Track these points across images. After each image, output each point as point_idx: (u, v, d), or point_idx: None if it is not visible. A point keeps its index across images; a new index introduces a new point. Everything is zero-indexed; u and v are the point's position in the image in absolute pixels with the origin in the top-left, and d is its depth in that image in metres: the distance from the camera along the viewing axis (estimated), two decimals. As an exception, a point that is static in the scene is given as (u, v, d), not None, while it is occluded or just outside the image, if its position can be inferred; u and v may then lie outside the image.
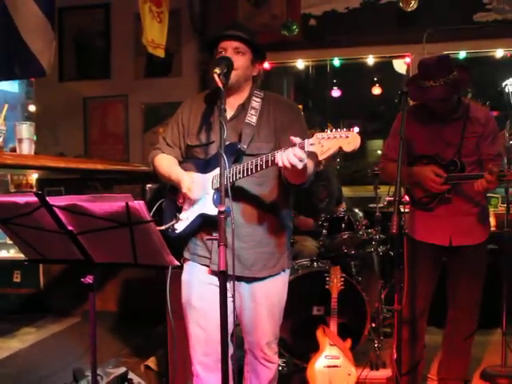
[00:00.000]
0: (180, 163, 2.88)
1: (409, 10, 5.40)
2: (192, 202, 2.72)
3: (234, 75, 2.62)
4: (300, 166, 2.28)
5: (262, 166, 2.45)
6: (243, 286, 2.81)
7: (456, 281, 3.47)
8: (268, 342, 2.88)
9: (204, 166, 2.72)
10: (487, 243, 3.52)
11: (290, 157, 2.27)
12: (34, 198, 2.01)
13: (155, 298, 3.92)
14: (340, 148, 2.18)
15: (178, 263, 2.21)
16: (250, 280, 2.79)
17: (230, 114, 2.76)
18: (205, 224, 2.68)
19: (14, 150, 3.43)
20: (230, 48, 2.67)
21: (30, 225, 2.12)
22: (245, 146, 2.66)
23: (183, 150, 2.90)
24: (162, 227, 2.76)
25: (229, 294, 2.38)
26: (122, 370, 3.36)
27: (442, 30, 5.20)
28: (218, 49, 2.69)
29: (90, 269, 2.24)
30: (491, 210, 5.24)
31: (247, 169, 2.50)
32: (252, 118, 2.73)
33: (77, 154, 5.92)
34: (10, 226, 2.17)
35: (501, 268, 4.03)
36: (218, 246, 2.20)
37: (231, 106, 2.77)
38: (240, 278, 2.75)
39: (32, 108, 6.84)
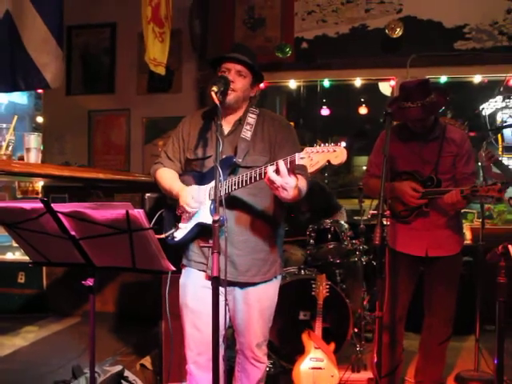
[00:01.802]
0: (180, 175, 2.91)
1: (394, 36, 5.44)
2: (190, 213, 2.73)
3: (234, 96, 2.68)
4: (285, 188, 2.34)
5: (255, 178, 2.47)
6: (237, 291, 2.82)
7: (432, 289, 3.48)
8: (258, 343, 2.89)
9: (202, 178, 2.74)
10: (461, 254, 3.53)
11: (271, 176, 2.32)
12: (39, 205, 2.01)
13: (151, 300, 3.94)
14: (328, 161, 2.20)
15: (174, 268, 2.22)
16: (243, 285, 2.80)
17: (227, 129, 2.80)
18: (202, 232, 2.69)
19: (21, 158, 3.43)
20: (233, 70, 2.70)
21: (35, 229, 2.12)
22: (240, 160, 2.68)
23: (183, 164, 2.92)
24: (162, 235, 2.78)
25: (223, 298, 2.42)
26: (119, 367, 3.35)
27: (425, 55, 5.24)
28: (222, 68, 2.71)
29: (91, 272, 2.24)
30: (467, 224, 5.27)
31: (242, 181, 2.53)
32: (247, 133, 2.75)
33: (81, 164, 5.91)
34: (16, 229, 2.17)
35: (475, 279, 4.04)
36: (212, 253, 2.22)
37: (229, 122, 2.80)
38: (234, 284, 2.77)
39: (40, 119, 6.84)
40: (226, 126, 2.79)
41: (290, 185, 2.33)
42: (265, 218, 2.79)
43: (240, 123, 2.79)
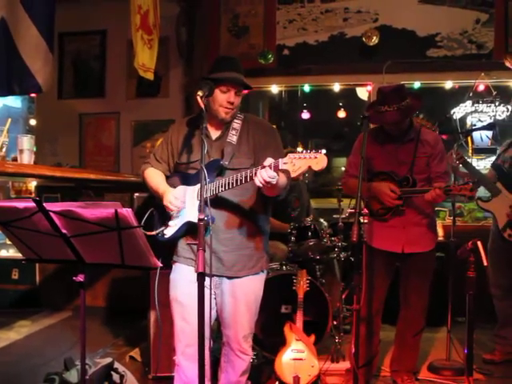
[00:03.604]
0: (169, 177, 2.94)
1: (371, 44, 5.47)
2: (179, 211, 2.76)
3: (232, 114, 2.75)
4: (273, 182, 2.35)
5: (241, 180, 2.51)
6: (225, 282, 2.84)
7: (407, 283, 3.51)
8: (245, 335, 2.90)
9: (191, 180, 2.76)
10: (435, 251, 3.56)
11: (263, 176, 2.33)
12: (32, 204, 2.00)
13: (139, 295, 3.92)
14: (309, 167, 2.24)
15: (161, 265, 2.23)
16: (230, 277, 2.82)
17: (215, 135, 2.83)
18: (191, 230, 2.70)
19: (15, 159, 3.41)
20: (234, 90, 2.71)
21: (27, 227, 2.11)
22: (226, 162, 2.71)
23: (171, 166, 2.94)
24: (153, 232, 2.81)
25: (211, 291, 2.53)
26: (109, 359, 3.32)
27: (400, 62, 5.27)
28: (222, 85, 2.69)
29: (82, 268, 2.24)
30: (440, 222, 5.30)
31: (229, 183, 2.56)
32: (233, 137, 2.78)
33: (72, 165, 5.88)
34: (9, 228, 2.16)
35: (447, 273, 4.07)
36: (197, 250, 2.24)
37: (216, 128, 2.84)
38: (222, 276, 2.81)
39: (33, 122, 6.77)
40: (214, 132, 2.84)
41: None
42: (250, 217, 2.82)
43: (227, 129, 2.81)
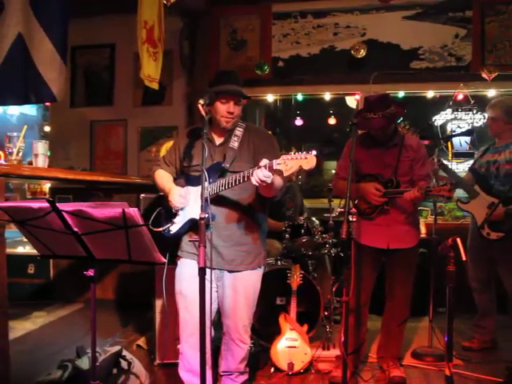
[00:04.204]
0: (176, 179, 2.98)
1: (359, 56, 5.47)
2: (183, 209, 2.80)
3: (232, 122, 2.80)
4: (268, 181, 2.37)
5: (240, 180, 2.55)
6: (226, 276, 2.87)
7: (392, 277, 3.51)
8: (244, 325, 2.93)
9: (195, 181, 2.80)
10: (418, 247, 3.56)
11: (259, 175, 2.35)
12: (46, 204, 1.99)
13: (146, 288, 3.92)
14: (300, 167, 2.28)
15: (165, 260, 2.24)
16: (231, 271, 2.85)
17: (218, 141, 2.89)
18: (194, 226, 2.73)
19: (30, 163, 3.41)
20: (232, 101, 2.75)
21: (42, 226, 2.10)
22: (227, 165, 2.76)
23: (178, 169, 2.99)
24: (160, 229, 2.85)
25: (213, 286, 2.61)
26: (118, 348, 3.32)
27: (385, 73, 5.27)
28: (222, 97, 2.73)
29: (92, 264, 2.24)
30: (422, 220, 5.31)
31: (228, 183, 2.60)
32: (235, 143, 2.82)
33: (83, 168, 5.89)
34: (25, 226, 2.15)
35: (429, 268, 4.07)
36: (199, 246, 2.27)
37: (220, 135, 2.89)
38: (222, 269, 2.85)
39: (47, 129, 6.76)
40: (218, 138, 2.89)
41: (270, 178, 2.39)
42: (248, 216, 2.85)
43: (229, 136, 2.86)
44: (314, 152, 2.30)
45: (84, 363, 3.01)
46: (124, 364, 3.23)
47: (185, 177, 2.91)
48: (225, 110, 2.75)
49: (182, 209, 2.82)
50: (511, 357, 3.20)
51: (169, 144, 5.79)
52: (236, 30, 5.82)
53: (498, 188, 3.90)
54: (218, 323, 3.13)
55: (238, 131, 2.86)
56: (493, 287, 4.15)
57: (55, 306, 5.40)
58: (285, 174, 2.32)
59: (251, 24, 5.80)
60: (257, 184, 2.40)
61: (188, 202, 2.79)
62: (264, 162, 2.37)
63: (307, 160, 2.27)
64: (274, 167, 2.33)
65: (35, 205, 2.02)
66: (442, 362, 2.99)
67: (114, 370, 3.17)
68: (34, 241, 2.25)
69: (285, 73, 5.75)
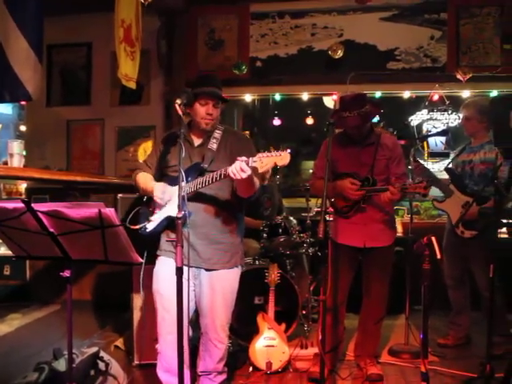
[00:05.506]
0: (156, 180, 2.98)
1: (336, 57, 5.51)
2: (161, 207, 2.82)
3: (211, 124, 2.85)
4: (245, 175, 2.42)
5: (216, 178, 2.59)
6: (203, 274, 2.88)
7: (369, 275, 3.54)
8: (222, 324, 2.93)
9: (174, 181, 2.79)
10: (394, 245, 3.60)
11: (237, 165, 2.42)
12: (21, 204, 1.98)
13: (123, 289, 3.89)
14: (275, 163, 2.35)
15: (142, 260, 2.24)
16: (208, 269, 2.86)
17: (197, 142, 2.93)
18: (171, 224, 2.74)
19: (6, 163, 3.37)
20: (211, 102, 2.80)
21: (17, 227, 2.08)
22: (206, 165, 2.80)
23: (158, 170, 3.00)
24: (136, 226, 2.84)
25: (191, 284, 2.62)
26: (95, 349, 3.29)
27: (362, 74, 5.31)
28: (201, 99, 2.79)
29: (68, 264, 2.22)
30: (398, 219, 5.37)
31: (205, 181, 2.64)
32: (213, 145, 2.88)
33: (60, 168, 5.82)
34: (0, 227, 2.12)
35: (405, 266, 4.12)
36: (176, 246, 2.28)
37: (198, 137, 2.93)
38: (199, 267, 2.86)
39: (23, 128, 6.67)
40: (197, 140, 2.94)
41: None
42: (225, 215, 2.87)
43: (208, 137, 2.90)
44: (289, 150, 2.36)
45: (61, 365, 2.98)
46: (102, 365, 3.21)
47: (164, 177, 2.92)
48: (204, 111, 2.80)
49: (159, 207, 2.83)
50: (484, 352, 3.25)
51: (147, 145, 5.77)
52: (214, 30, 5.81)
53: (472, 187, 3.97)
54: (195, 323, 3.13)
55: (217, 133, 2.92)
56: (467, 284, 4.22)
57: (31, 307, 5.33)
58: (260, 171, 2.38)
59: (229, 24, 5.80)
60: (234, 176, 2.43)
61: (167, 200, 2.81)
62: (242, 158, 2.42)
63: (281, 157, 2.34)
64: (250, 164, 2.39)
65: (10, 205, 2.01)
66: (418, 359, 3.03)
67: (92, 372, 3.15)
68: (8, 242, 2.22)
69: (263, 73, 5.77)
